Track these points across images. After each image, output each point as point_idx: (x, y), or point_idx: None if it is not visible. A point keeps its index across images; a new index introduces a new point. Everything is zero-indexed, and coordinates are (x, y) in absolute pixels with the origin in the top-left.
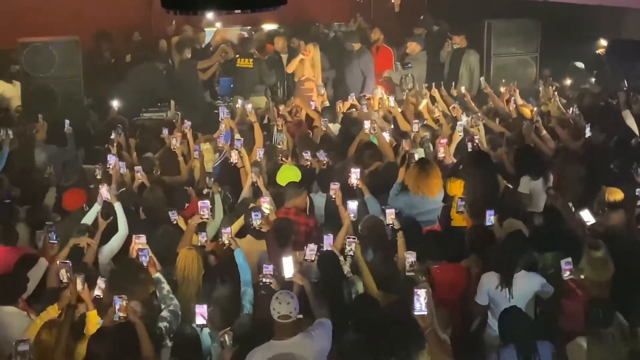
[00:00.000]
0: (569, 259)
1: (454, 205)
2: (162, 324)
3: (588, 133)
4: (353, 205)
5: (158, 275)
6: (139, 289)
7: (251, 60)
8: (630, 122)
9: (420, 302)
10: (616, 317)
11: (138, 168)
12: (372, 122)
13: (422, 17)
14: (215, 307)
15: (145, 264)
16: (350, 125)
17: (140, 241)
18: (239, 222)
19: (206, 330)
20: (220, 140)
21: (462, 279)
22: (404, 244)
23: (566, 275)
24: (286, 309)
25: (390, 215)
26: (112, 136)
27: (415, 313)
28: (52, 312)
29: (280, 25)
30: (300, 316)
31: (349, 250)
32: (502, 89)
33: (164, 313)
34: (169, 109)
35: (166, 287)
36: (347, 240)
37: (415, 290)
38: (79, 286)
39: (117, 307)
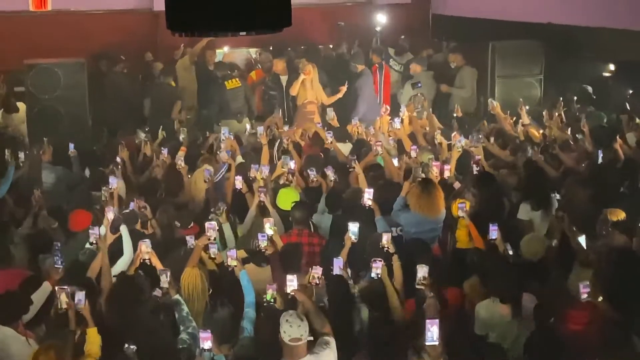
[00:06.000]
0: (587, 282)
1: (458, 227)
2: (182, 346)
3: (600, 159)
4: (354, 227)
5: (177, 297)
6: (139, 308)
7: (238, 79)
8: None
9: (432, 333)
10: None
11: (143, 204)
12: (378, 144)
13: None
14: (215, 328)
15: (166, 286)
16: (360, 147)
17: (145, 248)
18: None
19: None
20: (223, 154)
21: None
22: (400, 268)
23: (584, 297)
24: (297, 331)
25: (385, 238)
26: (118, 159)
27: (427, 344)
28: None
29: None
30: (311, 338)
31: (375, 274)
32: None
33: (183, 335)
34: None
35: (185, 309)
36: (374, 263)
37: (427, 321)
38: (79, 304)
39: None
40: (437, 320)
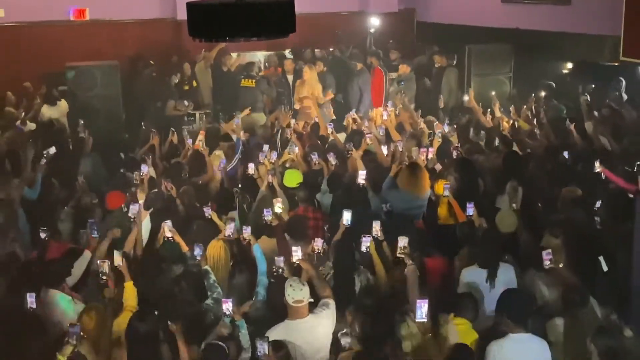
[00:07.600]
0: (549, 250)
1: (440, 204)
2: (208, 307)
3: (566, 156)
4: (347, 214)
5: (207, 267)
6: (163, 277)
7: (254, 80)
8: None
9: (422, 310)
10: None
11: (170, 186)
12: (369, 134)
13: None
14: (233, 293)
15: (199, 257)
16: (354, 136)
17: (168, 227)
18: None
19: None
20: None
21: (447, 270)
22: (388, 247)
23: (546, 264)
24: (300, 294)
25: (375, 227)
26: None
27: (417, 320)
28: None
29: (290, 50)
30: (311, 300)
31: (365, 247)
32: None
33: (209, 300)
34: None
35: (212, 277)
36: (363, 238)
37: (418, 301)
38: (117, 261)
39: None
40: (426, 300)
